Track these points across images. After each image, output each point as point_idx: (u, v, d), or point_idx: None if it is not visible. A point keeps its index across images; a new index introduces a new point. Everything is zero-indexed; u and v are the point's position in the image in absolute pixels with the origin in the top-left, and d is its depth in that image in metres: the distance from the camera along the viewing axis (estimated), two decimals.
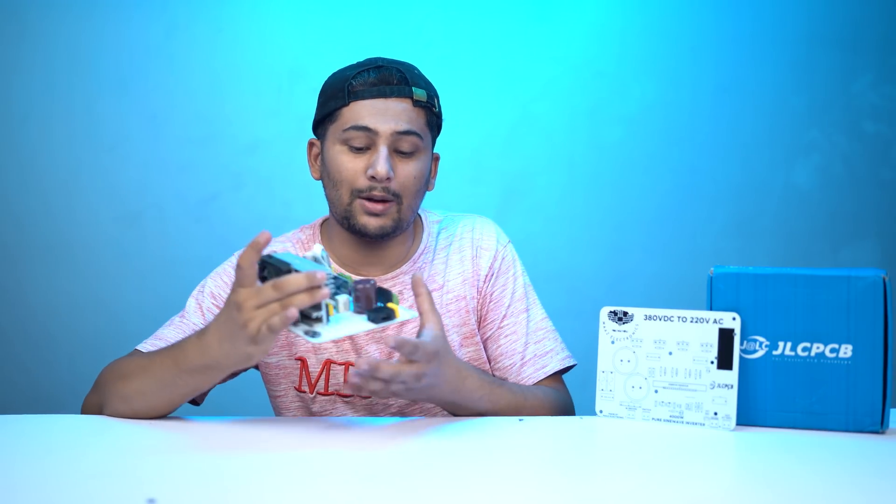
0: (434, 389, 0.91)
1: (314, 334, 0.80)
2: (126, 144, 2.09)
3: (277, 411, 1.16)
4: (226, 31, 2.12)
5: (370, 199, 1.05)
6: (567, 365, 1.12)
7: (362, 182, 1.05)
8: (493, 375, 1.09)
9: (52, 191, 2.07)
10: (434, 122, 1.11)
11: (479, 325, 1.14)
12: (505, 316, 1.13)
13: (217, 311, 1.08)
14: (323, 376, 1.10)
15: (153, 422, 0.89)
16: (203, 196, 2.10)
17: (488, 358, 1.14)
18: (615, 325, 0.96)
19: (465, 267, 1.14)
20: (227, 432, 0.87)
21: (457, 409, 0.99)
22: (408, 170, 1.06)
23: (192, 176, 2.10)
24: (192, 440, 0.84)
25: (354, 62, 1.10)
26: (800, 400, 0.90)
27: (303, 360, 1.11)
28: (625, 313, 0.95)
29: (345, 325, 0.83)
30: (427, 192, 1.13)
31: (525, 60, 2.20)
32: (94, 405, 1.01)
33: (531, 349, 1.12)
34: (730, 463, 0.82)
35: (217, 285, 1.11)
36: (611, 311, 0.96)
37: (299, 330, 0.80)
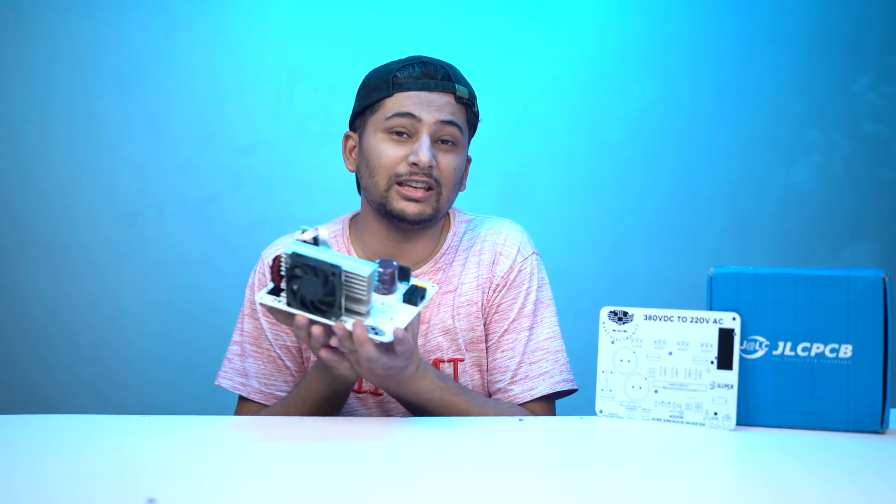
0: (391, 380, 0.92)
1: (379, 332, 0.81)
2: (125, 144, 2.09)
3: None
4: (225, 31, 2.12)
5: (409, 185, 1.06)
6: (560, 389, 1.11)
7: (402, 168, 1.06)
8: (459, 384, 1.06)
9: (51, 191, 2.07)
10: (472, 122, 1.14)
11: (487, 333, 1.14)
12: (507, 330, 1.12)
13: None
14: None
15: (153, 421, 0.89)
16: (202, 196, 2.10)
17: (484, 366, 1.14)
18: (615, 325, 0.96)
19: (482, 272, 1.14)
20: (227, 432, 0.87)
21: (407, 405, 1.00)
22: (448, 160, 1.08)
23: (192, 176, 2.10)
24: (192, 440, 0.84)
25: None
26: (800, 400, 0.90)
27: None
28: (625, 313, 0.95)
29: (397, 314, 0.84)
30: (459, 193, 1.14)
31: (525, 60, 2.20)
32: None
33: (524, 369, 1.11)
34: (730, 463, 0.82)
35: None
36: (611, 311, 0.96)
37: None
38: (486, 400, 1.06)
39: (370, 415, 1.13)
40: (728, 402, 0.90)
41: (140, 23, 2.08)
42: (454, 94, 1.09)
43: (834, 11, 2.26)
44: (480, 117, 1.16)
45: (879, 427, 0.88)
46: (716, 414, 0.90)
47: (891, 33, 2.27)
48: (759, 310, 0.91)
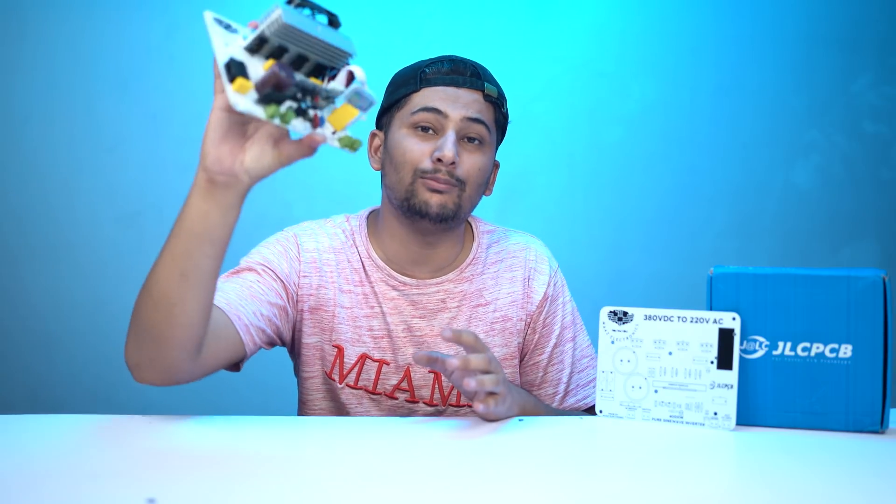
0: (514, 406, 0.94)
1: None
2: (126, 144, 2.09)
3: (303, 395, 1.14)
4: None
5: (434, 180, 1.04)
6: None
7: (427, 163, 1.04)
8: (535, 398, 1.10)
9: (52, 191, 2.07)
10: (501, 122, 1.11)
11: (524, 350, 1.14)
12: (556, 344, 1.13)
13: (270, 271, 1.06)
14: (356, 369, 1.09)
15: (152, 421, 0.89)
16: None
17: (529, 382, 1.15)
18: (615, 325, 0.96)
19: (516, 288, 1.13)
20: (227, 432, 0.87)
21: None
22: (473, 159, 1.05)
23: (192, 176, 2.09)
24: (193, 440, 0.84)
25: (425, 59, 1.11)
26: (800, 400, 0.90)
27: (340, 349, 1.09)
28: (625, 313, 0.95)
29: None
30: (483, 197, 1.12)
31: (525, 60, 2.20)
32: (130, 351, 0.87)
33: (575, 378, 1.14)
34: (730, 463, 0.82)
35: (270, 252, 1.08)
36: (611, 311, 0.96)
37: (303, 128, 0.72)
38: (551, 408, 1.10)
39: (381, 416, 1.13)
40: (728, 402, 0.90)
41: (141, 23, 2.08)
42: (483, 91, 1.07)
43: (834, 11, 2.26)
44: (510, 119, 1.13)
45: (879, 427, 0.88)
46: (716, 414, 0.90)
47: (890, 33, 2.27)
48: (759, 310, 0.91)
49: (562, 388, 1.13)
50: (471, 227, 1.17)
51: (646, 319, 0.94)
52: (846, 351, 0.89)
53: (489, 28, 2.18)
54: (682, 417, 0.92)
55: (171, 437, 0.84)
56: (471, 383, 0.84)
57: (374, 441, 0.84)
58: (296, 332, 1.10)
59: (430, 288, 1.09)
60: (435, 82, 1.06)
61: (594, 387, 1.13)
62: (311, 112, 0.73)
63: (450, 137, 1.03)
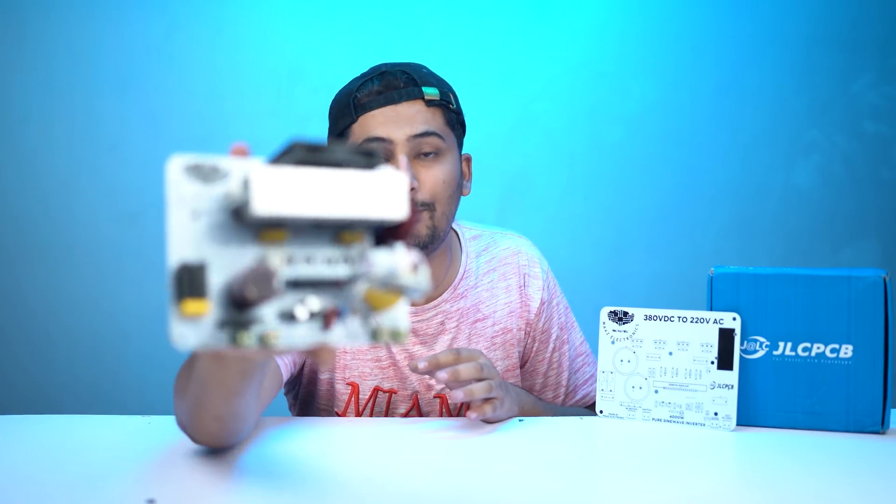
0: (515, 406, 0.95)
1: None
2: (126, 144, 2.08)
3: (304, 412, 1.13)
4: (225, 31, 2.11)
5: None
6: None
7: None
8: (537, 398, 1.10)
9: (51, 190, 2.06)
10: (454, 119, 1.03)
11: (524, 357, 1.13)
12: (554, 349, 1.12)
13: None
14: (370, 403, 1.06)
15: (153, 422, 0.89)
16: None
17: (530, 387, 1.14)
18: (615, 326, 0.95)
19: (512, 297, 1.10)
20: None
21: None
22: (433, 174, 0.98)
23: None
24: (192, 441, 0.83)
25: (358, 74, 1.03)
26: (800, 400, 0.90)
27: (354, 386, 1.05)
28: (625, 313, 0.95)
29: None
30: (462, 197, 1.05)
31: (525, 60, 2.20)
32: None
33: (573, 379, 1.14)
34: (730, 463, 0.82)
35: None
36: (611, 312, 0.96)
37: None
38: (555, 408, 1.09)
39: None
40: (728, 403, 0.90)
41: (140, 23, 2.08)
42: (423, 98, 0.98)
43: (834, 11, 2.26)
44: (462, 110, 1.06)
45: (880, 427, 0.88)
46: (716, 414, 0.90)
47: (891, 33, 2.27)
48: (760, 310, 0.91)
49: (562, 391, 1.13)
50: (456, 234, 1.12)
51: (646, 320, 0.94)
52: (847, 351, 0.89)
53: (489, 28, 2.18)
54: (682, 418, 0.92)
55: (171, 437, 0.83)
56: (457, 395, 0.84)
57: (374, 442, 0.84)
58: (307, 367, 1.07)
59: (428, 313, 1.05)
60: (370, 106, 0.97)
61: (593, 384, 1.13)
62: (319, 305, 0.51)
63: (402, 162, 0.95)
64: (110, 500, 0.63)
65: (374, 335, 0.52)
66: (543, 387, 1.13)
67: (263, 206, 0.45)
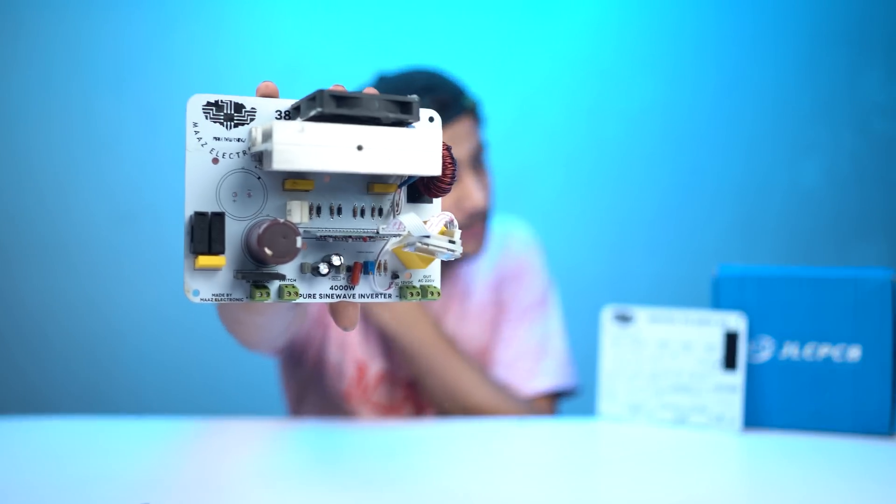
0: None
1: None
2: (122, 143, 2.07)
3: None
4: (224, 28, 2.10)
5: None
6: (563, 388, 1.08)
7: None
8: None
9: (46, 189, 2.05)
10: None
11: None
12: (514, 327, 1.10)
13: None
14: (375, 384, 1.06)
15: (148, 423, 0.88)
16: None
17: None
18: (618, 326, 0.94)
19: (490, 271, 1.11)
20: (223, 434, 0.86)
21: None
22: (486, 187, 1.02)
23: None
24: (189, 443, 0.82)
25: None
26: (807, 402, 0.89)
27: (361, 367, 1.06)
28: (628, 313, 0.94)
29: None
30: None
31: (525, 59, 2.19)
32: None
33: (528, 365, 1.09)
34: (736, 466, 0.80)
35: None
36: (613, 312, 0.95)
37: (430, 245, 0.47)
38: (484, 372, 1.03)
39: None
40: (733, 405, 0.88)
41: (138, 20, 2.07)
42: (468, 109, 1.00)
43: (840, 7, 2.25)
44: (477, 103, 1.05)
45: (888, 430, 0.87)
46: (721, 416, 0.89)
47: None
48: (765, 310, 0.90)
49: (512, 372, 1.10)
50: None
51: (649, 320, 0.93)
52: (854, 352, 0.87)
53: (489, 26, 2.17)
54: (686, 420, 0.90)
55: (168, 439, 0.82)
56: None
57: (371, 443, 0.83)
58: (313, 349, 1.06)
59: None
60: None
61: (548, 377, 1.07)
62: (338, 260, 0.48)
63: (471, 182, 0.98)
64: (105, 503, 0.62)
65: (403, 292, 0.50)
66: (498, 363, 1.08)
67: (283, 162, 0.43)
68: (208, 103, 0.45)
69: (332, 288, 0.48)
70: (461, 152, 0.98)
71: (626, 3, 2.21)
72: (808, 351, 0.89)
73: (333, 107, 0.43)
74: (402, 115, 0.45)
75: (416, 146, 0.45)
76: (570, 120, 2.20)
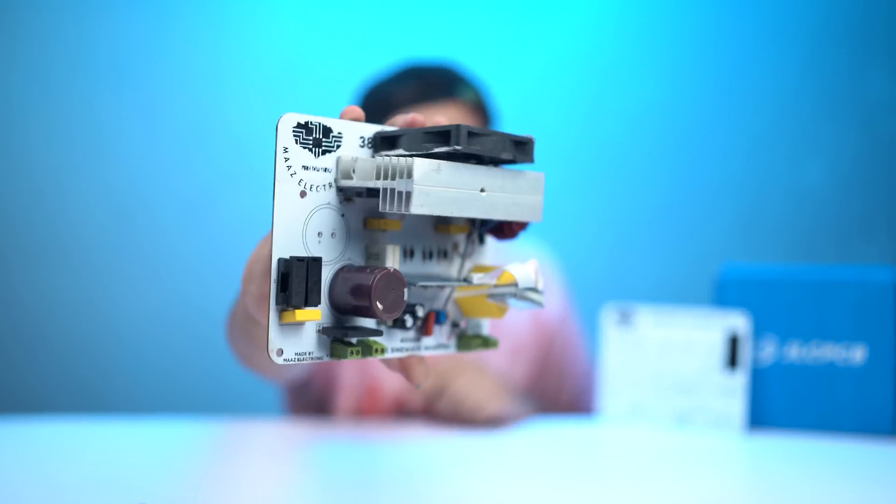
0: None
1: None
2: (119, 141, 2.07)
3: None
4: (223, 25, 2.10)
5: None
6: None
7: None
8: None
9: (44, 188, 2.05)
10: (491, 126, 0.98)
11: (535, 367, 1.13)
12: (561, 362, 1.12)
13: None
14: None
15: (147, 423, 0.87)
16: (197, 195, 2.08)
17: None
18: (619, 325, 0.93)
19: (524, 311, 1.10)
20: (221, 434, 0.85)
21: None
22: None
23: (187, 174, 2.08)
24: (186, 443, 0.82)
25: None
26: (810, 403, 0.88)
27: (374, 388, 1.00)
28: (629, 313, 0.93)
29: None
30: None
31: (524, 57, 2.18)
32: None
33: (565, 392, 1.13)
34: (738, 467, 0.80)
35: None
36: (615, 311, 0.94)
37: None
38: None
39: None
40: (736, 405, 0.87)
41: (137, 18, 2.07)
42: (462, 99, 0.94)
43: (842, 3, 2.24)
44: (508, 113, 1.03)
45: (891, 430, 0.86)
46: (723, 417, 0.88)
47: None
48: (769, 310, 0.89)
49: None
50: None
51: (651, 319, 0.92)
52: (858, 353, 0.87)
53: (488, 25, 2.16)
54: (688, 420, 0.90)
55: (164, 440, 0.82)
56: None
57: (369, 444, 0.82)
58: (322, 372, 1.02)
59: None
60: (405, 103, 0.91)
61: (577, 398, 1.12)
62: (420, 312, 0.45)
63: None
64: None
65: (465, 343, 0.47)
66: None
67: (423, 205, 0.38)
68: (298, 125, 0.41)
69: (402, 340, 0.44)
70: None
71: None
72: (811, 351, 0.88)
73: (467, 144, 0.40)
74: (520, 156, 0.43)
75: (525, 191, 0.43)
76: (569, 118, 2.19)
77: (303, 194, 0.40)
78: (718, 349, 0.89)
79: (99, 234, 2.06)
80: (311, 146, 0.40)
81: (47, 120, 2.06)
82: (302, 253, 0.40)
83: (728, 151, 2.24)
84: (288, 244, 0.39)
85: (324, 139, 0.41)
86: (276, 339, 0.39)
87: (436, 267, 0.46)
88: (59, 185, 2.06)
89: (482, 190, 0.41)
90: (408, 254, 0.44)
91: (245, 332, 0.65)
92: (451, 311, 0.46)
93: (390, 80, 0.96)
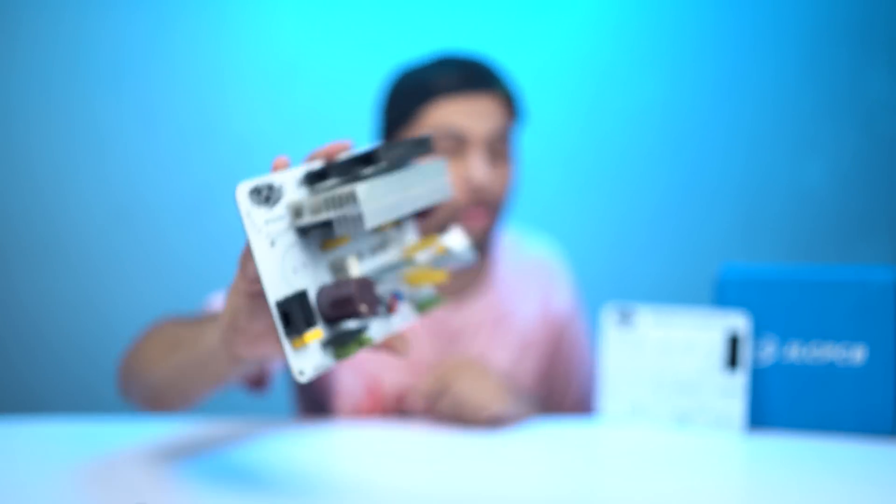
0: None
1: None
2: (119, 141, 2.07)
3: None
4: (222, 25, 2.10)
5: (474, 218, 0.92)
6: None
7: (459, 197, 0.91)
8: None
9: (44, 187, 2.05)
10: (515, 123, 0.98)
11: (543, 366, 1.13)
12: (569, 362, 1.14)
13: None
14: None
15: (147, 423, 0.87)
16: (197, 195, 2.08)
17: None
18: (619, 326, 0.93)
19: (535, 307, 1.07)
20: (220, 435, 0.85)
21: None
22: (502, 177, 0.94)
23: (187, 174, 2.08)
24: (186, 443, 0.82)
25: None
26: (810, 403, 0.88)
27: (374, 386, 1.01)
28: (629, 313, 0.93)
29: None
30: None
31: (524, 57, 2.18)
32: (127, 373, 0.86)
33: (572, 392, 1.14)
34: (738, 467, 0.80)
35: None
36: (615, 311, 0.94)
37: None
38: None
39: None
40: (736, 405, 0.87)
41: (136, 17, 2.06)
42: (499, 93, 0.94)
43: (843, 3, 2.24)
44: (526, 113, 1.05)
45: (892, 431, 0.86)
46: (723, 417, 0.88)
47: None
48: (769, 311, 0.89)
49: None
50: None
51: (651, 319, 0.92)
52: (858, 354, 0.87)
53: (488, 25, 2.16)
54: (688, 420, 0.90)
55: (164, 440, 0.82)
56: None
57: (370, 444, 0.82)
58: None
59: (458, 313, 1.02)
60: (446, 90, 0.91)
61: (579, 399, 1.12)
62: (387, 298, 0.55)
63: (479, 159, 0.90)
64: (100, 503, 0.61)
65: (419, 308, 0.57)
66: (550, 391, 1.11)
67: (373, 220, 0.47)
68: (251, 190, 0.48)
69: (378, 325, 0.54)
70: (478, 128, 0.92)
71: None
72: (811, 351, 0.88)
73: (389, 159, 0.49)
74: (427, 151, 0.52)
75: (435, 176, 0.53)
76: (569, 118, 2.19)
77: (273, 243, 0.49)
78: (718, 349, 0.89)
79: (99, 234, 2.06)
80: (264, 203, 0.49)
81: (47, 120, 2.05)
82: (288, 291, 0.48)
83: (728, 151, 2.24)
84: (277, 287, 0.48)
85: (270, 194, 0.49)
86: (295, 363, 0.48)
87: (383, 257, 0.56)
88: (59, 185, 2.06)
89: (408, 189, 0.50)
90: (360, 257, 0.54)
91: (201, 370, 0.70)
92: (403, 288, 0.57)
93: (429, 66, 0.94)
